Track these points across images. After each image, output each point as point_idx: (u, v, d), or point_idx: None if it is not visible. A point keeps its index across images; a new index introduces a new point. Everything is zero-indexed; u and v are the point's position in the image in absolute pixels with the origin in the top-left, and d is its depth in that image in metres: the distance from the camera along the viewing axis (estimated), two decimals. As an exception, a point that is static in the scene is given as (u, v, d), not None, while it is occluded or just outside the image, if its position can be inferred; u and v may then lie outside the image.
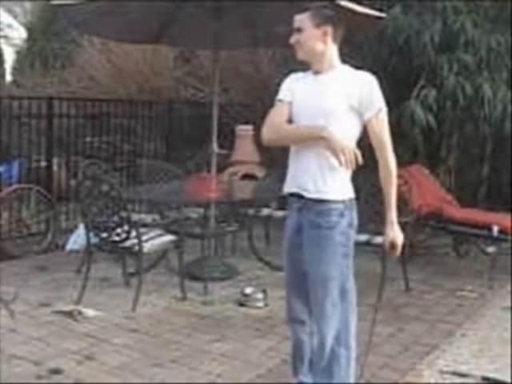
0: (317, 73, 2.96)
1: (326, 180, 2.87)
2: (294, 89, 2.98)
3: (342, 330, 2.95)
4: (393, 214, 2.95)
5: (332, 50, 2.95)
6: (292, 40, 2.95)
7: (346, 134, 2.86)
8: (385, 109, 2.91)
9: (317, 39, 2.90)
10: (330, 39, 2.92)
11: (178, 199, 5.49)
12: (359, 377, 3.20)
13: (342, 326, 2.94)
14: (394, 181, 2.93)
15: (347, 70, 2.97)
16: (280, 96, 3.01)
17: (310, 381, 3.07)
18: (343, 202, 2.89)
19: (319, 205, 2.87)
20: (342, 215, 2.87)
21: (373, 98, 2.87)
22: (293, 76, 3.07)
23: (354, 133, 2.92)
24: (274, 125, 2.95)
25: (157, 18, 5.61)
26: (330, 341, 2.93)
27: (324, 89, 2.90)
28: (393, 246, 2.97)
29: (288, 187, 3.01)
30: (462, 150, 7.44)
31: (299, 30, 2.92)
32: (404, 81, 6.60)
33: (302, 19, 2.92)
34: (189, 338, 4.08)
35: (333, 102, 2.86)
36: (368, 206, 4.59)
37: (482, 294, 5.22)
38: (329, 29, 2.91)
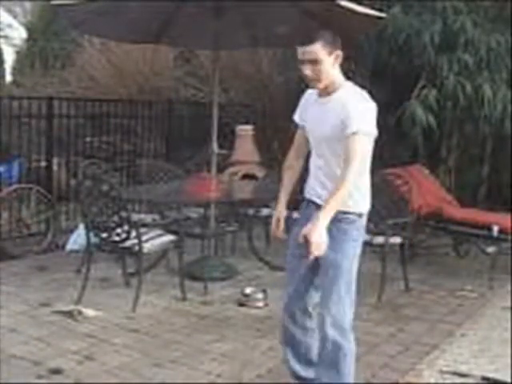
0: (321, 95, 3.01)
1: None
2: (306, 112, 3.11)
3: (346, 323, 2.99)
4: (321, 214, 2.81)
5: (338, 71, 3.02)
6: (309, 72, 2.92)
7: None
8: (363, 132, 2.85)
9: (332, 66, 2.94)
10: (338, 61, 2.97)
11: (178, 199, 5.49)
12: None
13: (346, 320, 2.99)
14: (339, 197, 2.84)
15: (347, 90, 2.97)
16: (296, 118, 3.18)
17: (311, 375, 3.13)
18: (361, 210, 3.04)
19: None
20: (360, 215, 3.02)
21: (348, 121, 2.84)
22: (307, 96, 3.15)
23: None
24: (288, 157, 3.25)
25: (157, 18, 5.60)
26: (331, 332, 2.96)
27: (325, 115, 2.97)
28: (306, 239, 2.81)
29: (306, 193, 3.14)
30: (462, 150, 7.44)
31: (315, 61, 2.90)
32: (404, 81, 6.61)
33: (315, 51, 2.89)
34: (189, 338, 4.08)
35: (330, 129, 2.92)
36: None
37: (482, 294, 5.22)
38: (339, 52, 2.95)
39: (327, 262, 2.95)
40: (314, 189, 3.08)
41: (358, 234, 3.02)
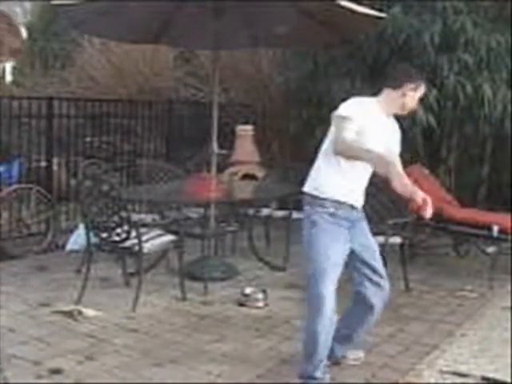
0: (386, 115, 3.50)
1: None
2: (366, 122, 3.47)
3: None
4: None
5: None
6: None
7: None
8: None
9: None
10: None
11: (178, 199, 5.48)
12: None
13: None
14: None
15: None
16: (354, 115, 3.51)
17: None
18: None
19: None
20: None
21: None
22: (368, 105, 3.44)
23: None
24: None
25: (157, 18, 5.60)
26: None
27: (392, 134, 3.58)
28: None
29: (347, 198, 3.37)
30: (462, 150, 7.44)
31: None
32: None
33: None
34: (189, 338, 4.08)
35: (397, 147, 3.63)
36: (368, 205, 4.59)
37: (482, 294, 5.22)
38: None
39: (375, 247, 3.57)
40: (358, 197, 3.41)
41: None
